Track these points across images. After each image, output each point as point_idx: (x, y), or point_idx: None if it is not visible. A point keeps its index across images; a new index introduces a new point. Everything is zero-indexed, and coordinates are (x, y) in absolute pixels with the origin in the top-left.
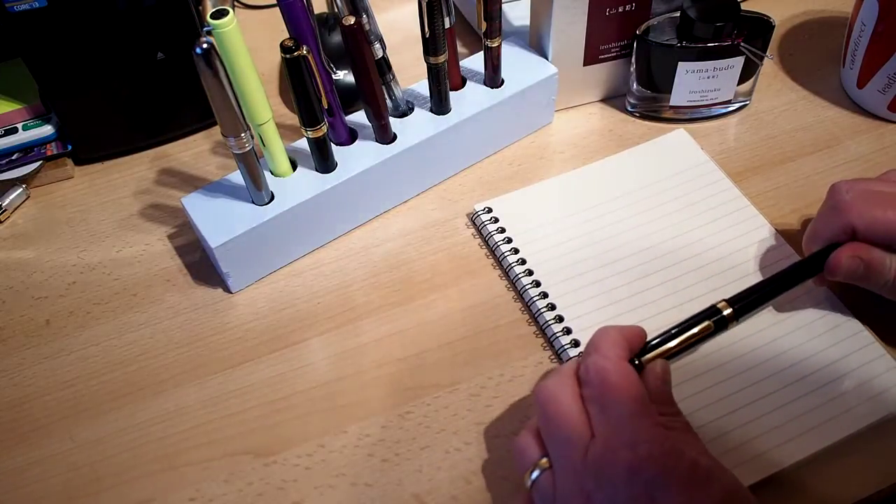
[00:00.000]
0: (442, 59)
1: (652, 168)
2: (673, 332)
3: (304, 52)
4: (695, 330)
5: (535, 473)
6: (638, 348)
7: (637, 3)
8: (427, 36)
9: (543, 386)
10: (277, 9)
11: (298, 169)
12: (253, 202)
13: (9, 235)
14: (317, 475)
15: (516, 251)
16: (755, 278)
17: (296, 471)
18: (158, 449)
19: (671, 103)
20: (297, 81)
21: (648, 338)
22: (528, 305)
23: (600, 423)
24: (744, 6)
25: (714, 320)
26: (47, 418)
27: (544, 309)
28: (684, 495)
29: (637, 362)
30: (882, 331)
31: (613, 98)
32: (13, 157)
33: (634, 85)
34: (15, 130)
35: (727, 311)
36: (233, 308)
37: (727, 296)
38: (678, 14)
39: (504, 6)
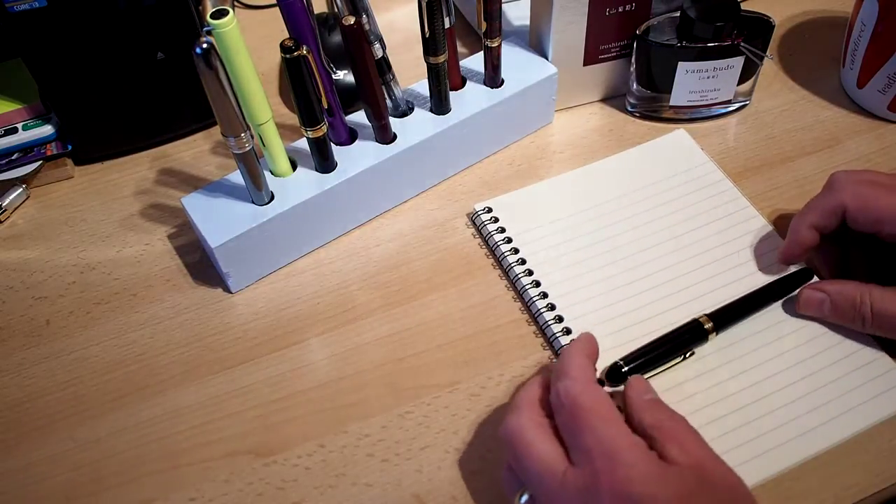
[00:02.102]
0: (442, 59)
1: (652, 168)
2: (659, 352)
3: (304, 52)
4: (677, 360)
5: (524, 498)
6: (596, 357)
7: (637, 3)
8: (427, 36)
9: (506, 425)
10: (277, 9)
11: (298, 169)
12: (253, 202)
13: (9, 235)
14: (317, 475)
15: (516, 251)
16: (754, 279)
17: (296, 471)
18: (158, 449)
19: (671, 103)
20: (297, 81)
21: (633, 343)
22: (527, 305)
23: (576, 450)
24: (744, 6)
25: (695, 337)
26: (47, 418)
27: (544, 309)
28: None
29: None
30: None
31: (613, 98)
32: (13, 157)
33: (634, 85)
34: (15, 130)
35: (708, 325)
36: (233, 308)
37: (726, 296)
38: (678, 14)
39: (504, 6)
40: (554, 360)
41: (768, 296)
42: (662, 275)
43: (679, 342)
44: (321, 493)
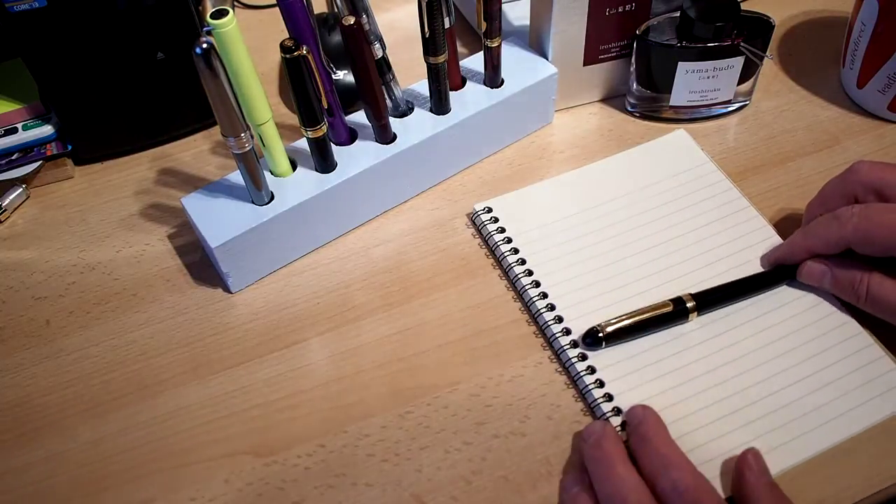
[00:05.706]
0: (442, 59)
1: (652, 168)
2: (637, 319)
3: (304, 52)
4: (652, 313)
5: None
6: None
7: (637, 3)
8: (427, 36)
9: None
10: (277, 9)
11: (298, 169)
12: (253, 202)
13: (9, 235)
14: (317, 475)
15: (516, 251)
16: None
17: (296, 471)
18: (159, 449)
19: (671, 103)
20: (297, 81)
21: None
22: (527, 305)
23: None
24: (744, 6)
25: (676, 308)
26: (47, 418)
27: (544, 309)
28: None
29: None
30: (881, 333)
31: (613, 98)
32: (13, 157)
33: (634, 85)
34: (15, 130)
35: (690, 304)
36: (233, 308)
37: None
38: (678, 14)
39: (504, 6)
40: (553, 360)
41: (753, 284)
42: (662, 275)
43: (658, 316)
44: (321, 493)
